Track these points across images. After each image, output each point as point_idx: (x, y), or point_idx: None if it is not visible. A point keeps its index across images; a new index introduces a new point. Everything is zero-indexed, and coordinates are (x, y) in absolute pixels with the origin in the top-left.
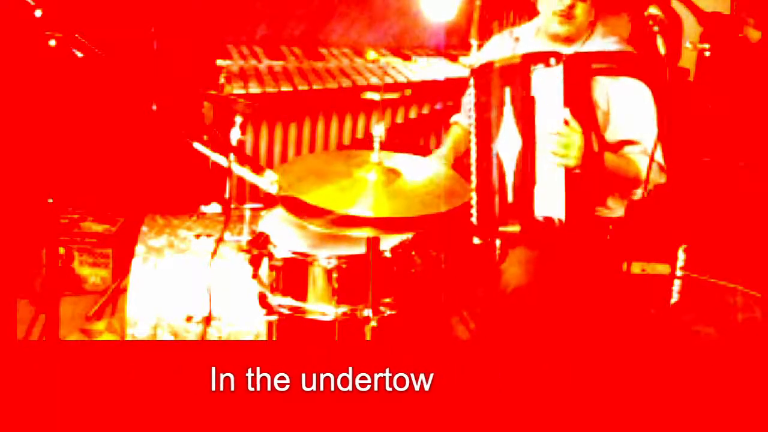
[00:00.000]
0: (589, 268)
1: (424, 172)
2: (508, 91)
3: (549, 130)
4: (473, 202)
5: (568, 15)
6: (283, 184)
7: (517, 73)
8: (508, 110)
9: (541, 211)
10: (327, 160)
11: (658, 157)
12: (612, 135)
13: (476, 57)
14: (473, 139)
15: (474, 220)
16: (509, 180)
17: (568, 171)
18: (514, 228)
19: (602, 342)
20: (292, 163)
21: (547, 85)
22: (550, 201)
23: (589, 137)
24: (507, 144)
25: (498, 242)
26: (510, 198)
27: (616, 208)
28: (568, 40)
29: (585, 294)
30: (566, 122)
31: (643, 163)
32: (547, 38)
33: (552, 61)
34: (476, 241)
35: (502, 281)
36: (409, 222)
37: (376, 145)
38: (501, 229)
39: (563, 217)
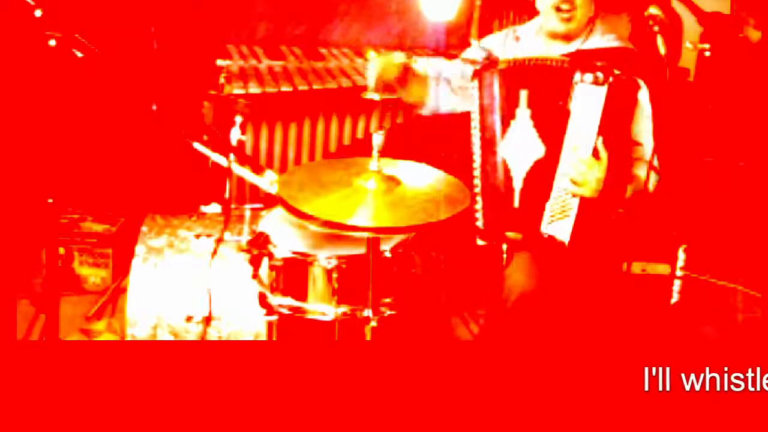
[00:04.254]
0: (590, 269)
1: (423, 179)
2: (524, 93)
3: (575, 150)
4: (478, 206)
5: (570, 6)
6: (283, 195)
7: (551, 79)
8: (524, 113)
9: (547, 228)
10: (326, 168)
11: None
12: None
13: (476, 48)
14: (476, 142)
15: (479, 223)
16: (516, 185)
17: (584, 200)
18: (517, 235)
19: (603, 343)
20: (292, 172)
21: (586, 103)
22: (558, 222)
23: (614, 169)
24: (518, 148)
25: (504, 246)
26: (516, 203)
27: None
28: (568, 37)
29: (588, 297)
30: (595, 150)
31: (644, 172)
32: (547, 36)
33: (599, 76)
34: (480, 242)
35: (506, 287)
36: (409, 230)
37: (375, 153)
38: (505, 234)
39: (566, 242)
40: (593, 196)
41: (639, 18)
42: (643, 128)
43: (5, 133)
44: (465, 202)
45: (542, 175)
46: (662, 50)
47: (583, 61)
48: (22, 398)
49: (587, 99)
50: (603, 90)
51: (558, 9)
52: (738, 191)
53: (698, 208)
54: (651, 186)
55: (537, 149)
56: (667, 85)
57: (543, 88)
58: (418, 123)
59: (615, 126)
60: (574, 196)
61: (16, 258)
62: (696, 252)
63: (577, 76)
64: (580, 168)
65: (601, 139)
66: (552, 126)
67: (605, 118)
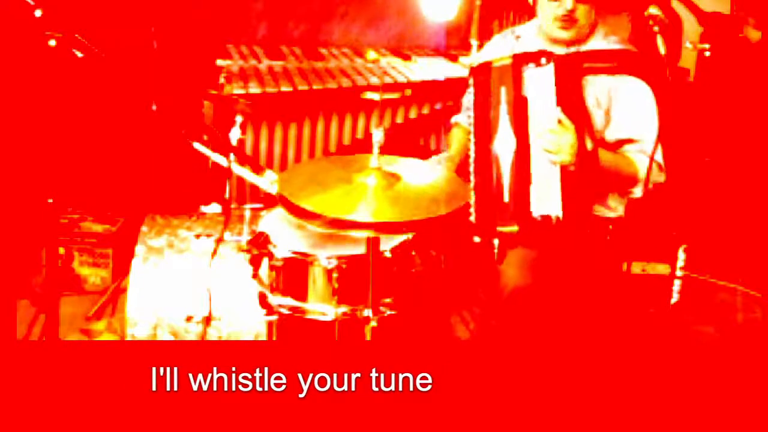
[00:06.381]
0: (588, 268)
1: (423, 175)
2: (503, 90)
3: (542, 129)
4: (472, 201)
5: (569, 20)
6: (284, 192)
7: (509, 73)
8: (504, 110)
9: (538, 209)
10: (326, 166)
11: (657, 156)
12: (612, 133)
13: (477, 56)
14: (472, 138)
15: (473, 219)
16: (505, 180)
17: (563, 168)
18: (512, 228)
19: (602, 342)
20: (292, 170)
21: (539, 84)
22: (546, 199)
23: (582, 135)
24: (503, 144)
25: (496, 242)
26: (506, 198)
27: (617, 207)
28: (570, 43)
29: (584, 294)
30: (559, 121)
31: (641, 161)
32: (548, 40)
33: (542, 60)
34: (476, 239)
35: (500, 282)
36: (410, 226)
37: (376, 150)
38: (499, 229)
39: (560, 214)
40: (572, 161)
41: (639, 18)
42: (643, 125)
43: (5, 133)
44: (465, 197)
45: (520, 163)
46: (662, 50)
47: (527, 53)
48: (22, 398)
49: (539, 80)
50: (550, 67)
51: (557, 20)
52: (738, 191)
53: (698, 208)
54: (659, 179)
55: (512, 141)
56: (667, 85)
57: (509, 83)
58: (417, 123)
59: (570, 96)
60: (554, 164)
61: (16, 258)
62: (696, 252)
63: (525, 65)
64: (551, 138)
65: (560, 109)
66: (517, 115)
67: (559, 90)
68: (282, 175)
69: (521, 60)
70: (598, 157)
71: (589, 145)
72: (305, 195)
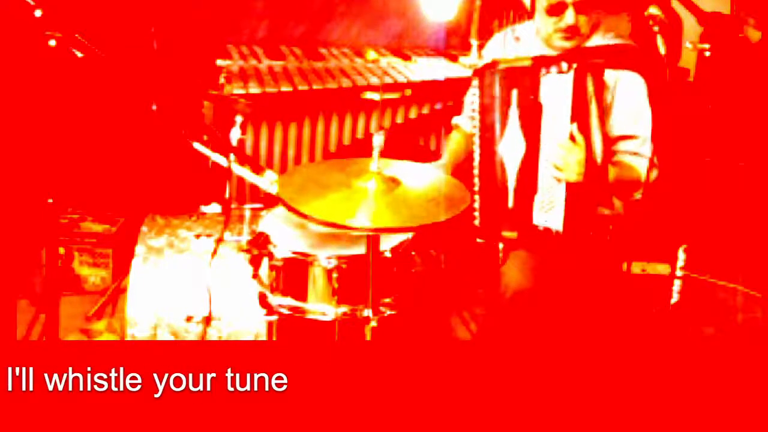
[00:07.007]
0: (589, 269)
1: (423, 180)
2: (515, 93)
3: (554, 138)
4: (476, 204)
5: (572, 31)
6: (283, 196)
7: (525, 77)
8: (514, 113)
9: (539, 220)
10: (326, 169)
11: (650, 153)
12: (610, 129)
13: (477, 57)
14: (477, 141)
15: (477, 222)
16: (510, 185)
17: (570, 184)
18: (512, 234)
19: (602, 343)
20: (291, 173)
21: (556, 92)
22: (549, 211)
23: (593, 151)
24: (511, 148)
25: (501, 245)
26: (510, 203)
27: (617, 207)
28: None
29: (585, 295)
30: (571, 136)
31: (640, 164)
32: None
33: (564, 66)
34: (480, 241)
35: (501, 284)
36: (410, 231)
37: (376, 154)
38: (503, 233)
39: (561, 229)
40: (578, 180)
41: (639, 18)
42: (641, 122)
43: (5, 133)
44: (465, 202)
45: (528, 171)
46: (662, 50)
47: (547, 57)
48: (22, 398)
49: (556, 89)
50: (569, 77)
51: (559, 31)
52: (738, 191)
53: (698, 208)
54: (652, 175)
55: (521, 147)
56: (667, 85)
57: (522, 87)
58: (417, 123)
59: (586, 109)
60: (559, 181)
61: (16, 258)
62: (696, 252)
63: (543, 70)
64: (560, 153)
65: (575, 124)
66: (529, 121)
67: (576, 103)
68: (281, 178)
69: (540, 63)
70: (607, 173)
71: (599, 159)
72: (305, 200)
